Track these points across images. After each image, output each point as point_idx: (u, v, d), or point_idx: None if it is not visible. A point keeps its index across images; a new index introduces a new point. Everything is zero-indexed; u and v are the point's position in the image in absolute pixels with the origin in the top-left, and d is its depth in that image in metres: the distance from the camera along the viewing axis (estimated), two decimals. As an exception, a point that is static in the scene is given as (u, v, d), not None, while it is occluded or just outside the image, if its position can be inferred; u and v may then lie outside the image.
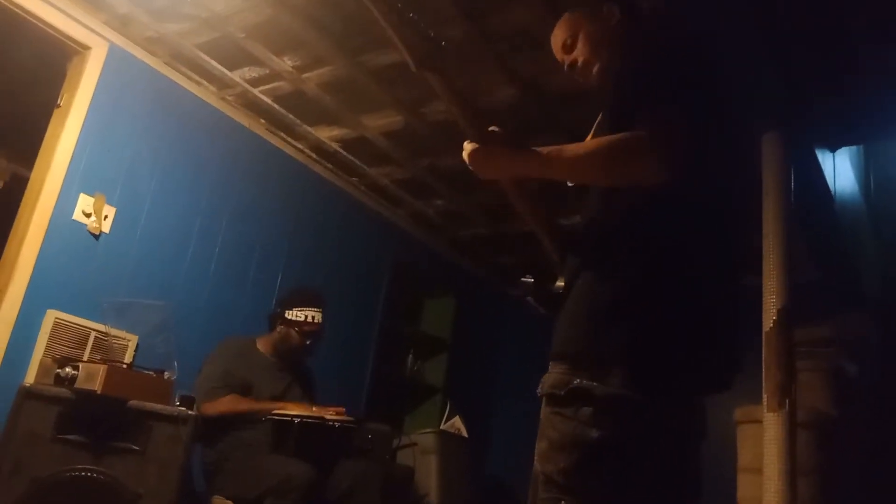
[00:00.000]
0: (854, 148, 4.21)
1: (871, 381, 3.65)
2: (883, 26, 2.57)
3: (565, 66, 1.61)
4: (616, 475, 1.23)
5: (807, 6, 2.49)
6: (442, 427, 4.54)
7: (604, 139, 1.33)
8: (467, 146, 1.42)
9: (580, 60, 1.57)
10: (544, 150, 1.34)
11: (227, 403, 2.94)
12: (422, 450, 4.23)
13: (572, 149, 1.33)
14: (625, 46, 1.53)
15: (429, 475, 4.13)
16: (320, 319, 3.25)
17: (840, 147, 3.52)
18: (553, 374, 1.32)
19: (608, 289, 1.31)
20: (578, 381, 1.26)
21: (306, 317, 3.22)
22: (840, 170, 3.57)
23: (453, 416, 4.62)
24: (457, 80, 1.38)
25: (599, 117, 1.52)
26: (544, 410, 1.32)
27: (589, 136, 1.51)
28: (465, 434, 4.55)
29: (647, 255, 1.30)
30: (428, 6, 2.71)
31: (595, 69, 1.56)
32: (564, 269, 1.45)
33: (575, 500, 1.23)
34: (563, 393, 1.27)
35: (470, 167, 1.43)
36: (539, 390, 1.34)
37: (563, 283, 1.43)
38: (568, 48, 1.60)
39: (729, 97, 1.48)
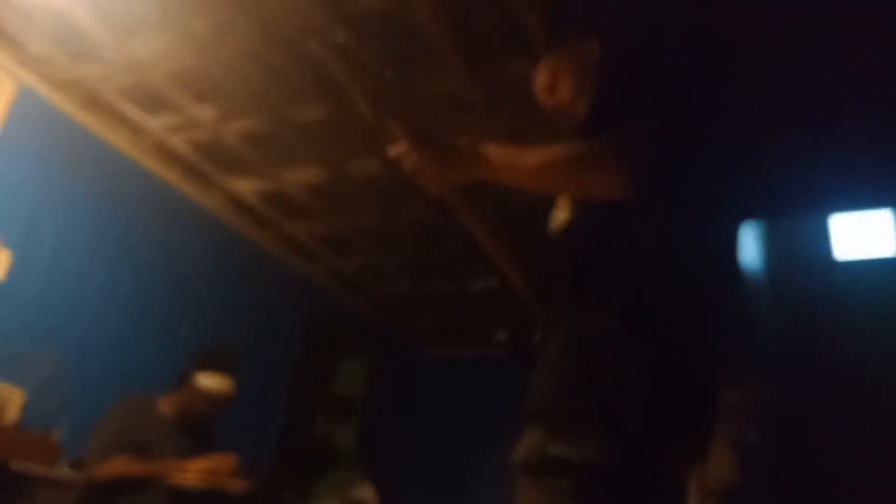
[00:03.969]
0: (756, 223, 4.45)
1: (769, 449, 3.76)
2: (782, 112, 2.75)
3: (550, 110, 1.54)
4: None
5: (714, 90, 2.65)
6: (351, 495, 4.37)
7: (568, 145, 1.24)
8: (408, 150, 1.29)
9: (565, 100, 1.50)
10: (500, 149, 1.26)
11: (120, 465, 2.73)
12: (329, 517, 4.06)
13: (536, 152, 1.25)
14: (608, 80, 1.47)
15: (336, 544, 3.95)
16: (232, 392, 3.02)
17: (742, 221, 3.70)
18: (527, 441, 1.21)
19: (582, 346, 1.23)
20: (553, 447, 1.16)
21: (219, 386, 3.03)
22: (743, 243, 3.74)
23: (364, 483, 4.47)
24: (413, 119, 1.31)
25: None
26: (520, 481, 1.21)
27: None
28: (375, 501, 4.39)
29: (628, 302, 1.23)
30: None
31: (580, 108, 1.48)
32: (545, 314, 1.35)
33: None
34: (537, 462, 1.17)
35: (414, 173, 1.30)
36: (513, 458, 1.23)
37: (539, 335, 1.33)
38: (551, 89, 1.53)
39: (707, 127, 1.44)
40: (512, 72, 2.70)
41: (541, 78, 1.56)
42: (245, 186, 3.88)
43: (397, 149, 1.30)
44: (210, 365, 3.06)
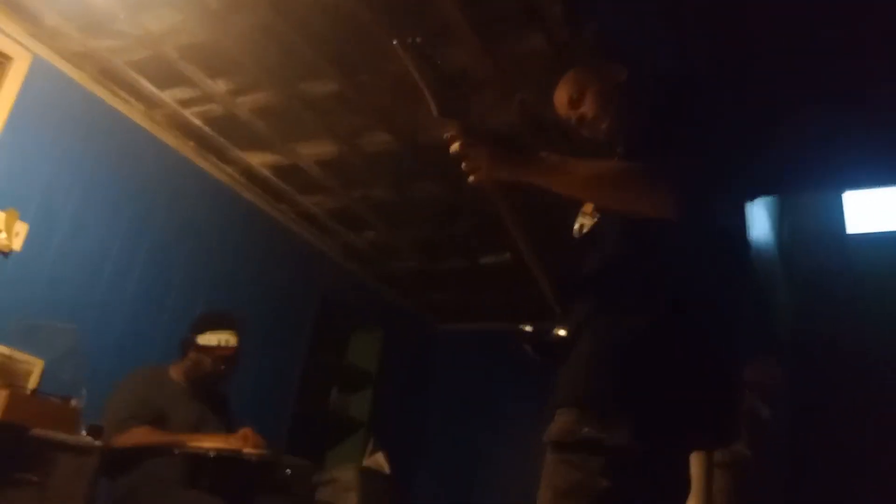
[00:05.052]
0: (769, 199, 4.42)
1: (783, 424, 3.78)
2: (801, 90, 2.73)
3: (573, 121, 1.58)
4: None
5: (735, 70, 2.63)
6: (364, 463, 4.45)
7: (623, 164, 1.34)
8: (463, 138, 1.36)
9: (589, 115, 1.55)
10: (554, 157, 1.34)
11: (139, 435, 2.78)
12: (342, 486, 4.13)
13: (588, 165, 1.35)
14: (634, 104, 1.53)
15: (348, 513, 4.03)
16: (235, 343, 3.07)
17: (756, 197, 3.69)
18: (560, 422, 1.29)
19: (620, 339, 1.30)
20: (587, 430, 1.24)
21: (220, 341, 3.04)
22: (756, 219, 3.74)
23: (376, 452, 4.54)
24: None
25: None
26: (549, 458, 1.29)
27: None
28: (387, 470, 4.47)
29: (662, 305, 1.31)
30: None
31: (604, 125, 1.55)
32: (568, 316, 1.43)
33: None
34: (571, 441, 1.25)
35: (468, 169, 1.37)
36: (544, 438, 1.31)
37: (563, 332, 1.41)
38: (574, 103, 1.57)
39: (732, 146, 1.52)
40: (525, 47, 2.68)
41: (563, 93, 1.61)
42: (259, 160, 3.89)
43: (453, 134, 1.36)
44: (208, 324, 3.11)
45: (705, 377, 1.29)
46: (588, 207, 1.58)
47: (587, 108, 1.55)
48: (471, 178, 1.38)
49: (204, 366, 3.06)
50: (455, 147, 1.36)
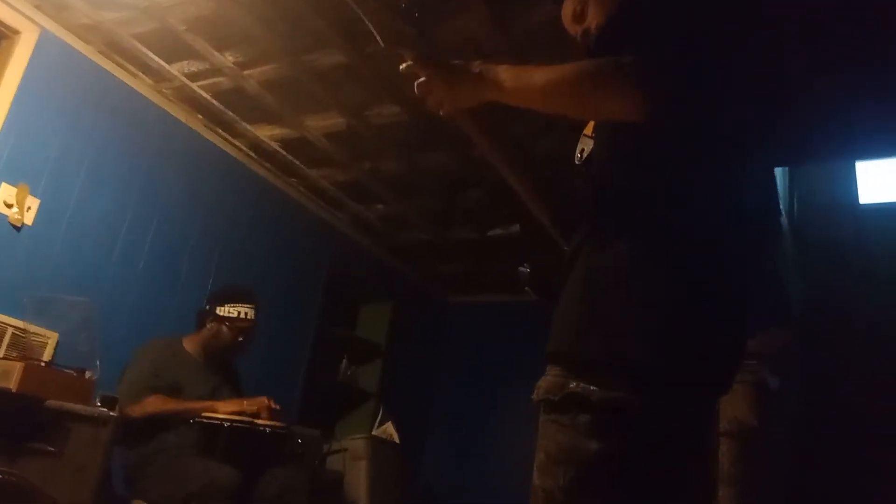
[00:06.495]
0: (780, 170, 4.38)
1: (793, 396, 3.78)
2: (816, 58, 2.68)
3: (579, 38, 1.45)
4: (617, 492, 1.10)
5: (746, 35, 2.58)
6: (373, 433, 4.50)
7: (581, 62, 1.17)
8: (417, 71, 1.27)
9: (593, 26, 1.40)
10: (511, 69, 1.22)
11: (153, 404, 2.83)
12: (352, 455, 4.18)
13: (545, 70, 1.19)
14: (631, 5, 1.38)
15: (359, 481, 4.09)
16: (253, 316, 3.16)
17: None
18: (548, 378, 1.17)
19: (603, 281, 1.17)
20: (574, 384, 1.11)
21: (239, 313, 3.12)
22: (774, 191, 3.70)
23: (385, 422, 4.59)
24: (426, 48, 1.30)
25: None
26: (541, 419, 1.17)
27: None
28: (396, 440, 4.52)
29: (652, 238, 1.17)
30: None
31: None
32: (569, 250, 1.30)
33: None
34: (557, 399, 1.13)
35: (422, 94, 1.28)
36: (534, 396, 1.18)
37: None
38: (578, 17, 1.43)
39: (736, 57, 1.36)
40: (536, 17, 2.64)
41: (568, 8, 1.49)
42: (267, 134, 3.88)
43: (407, 68, 1.27)
44: (228, 297, 3.17)
45: (696, 320, 1.14)
46: (589, 129, 1.45)
47: (590, 20, 1.43)
48: (440, 112, 1.29)
49: (222, 336, 3.12)
50: (407, 71, 1.26)
